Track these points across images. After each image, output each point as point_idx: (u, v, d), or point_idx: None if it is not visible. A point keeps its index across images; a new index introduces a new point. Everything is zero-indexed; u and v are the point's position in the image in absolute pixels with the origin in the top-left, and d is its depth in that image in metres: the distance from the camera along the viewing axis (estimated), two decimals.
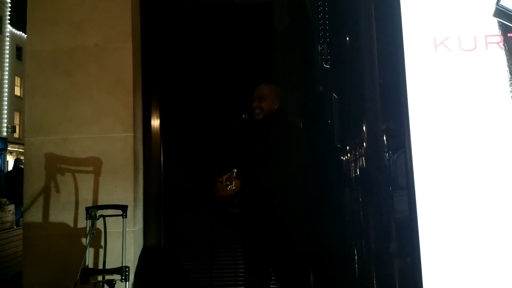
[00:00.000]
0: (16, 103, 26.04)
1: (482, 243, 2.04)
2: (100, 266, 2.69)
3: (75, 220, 2.89)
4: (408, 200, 2.21)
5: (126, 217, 2.59)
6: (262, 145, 2.43)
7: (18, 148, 26.26)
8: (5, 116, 25.12)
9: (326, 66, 2.96)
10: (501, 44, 2.19)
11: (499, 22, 2.21)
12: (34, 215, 2.90)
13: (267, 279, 2.50)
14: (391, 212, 2.43)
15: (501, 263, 2.02)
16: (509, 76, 2.17)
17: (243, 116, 2.56)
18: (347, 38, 2.83)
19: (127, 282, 2.50)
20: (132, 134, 2.96)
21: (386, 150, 2.46)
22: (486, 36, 2.20)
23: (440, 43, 2.23)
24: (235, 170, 2.25)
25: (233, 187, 2.26)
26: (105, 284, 2.50)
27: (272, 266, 2.47)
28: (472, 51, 2.21)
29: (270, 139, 2.41)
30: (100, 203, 2.84)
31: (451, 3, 2.24)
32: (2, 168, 24.86)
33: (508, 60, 2.18)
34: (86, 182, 2.92)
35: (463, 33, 2.22)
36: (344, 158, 2.77)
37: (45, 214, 2.90)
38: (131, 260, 2.83)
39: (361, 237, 2.64)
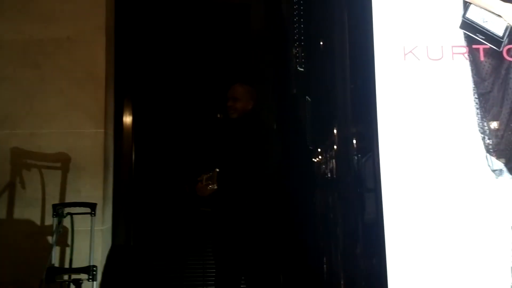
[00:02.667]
0: None
1: (446, 244, 2.13)
2: (67, 265, 2.63)
3: (41, 217, 2.79)
4: (375, 201, 2.29)
5: (94, 215, 2.54)
6: (235, 145, 2.44)
7: None
8: None
9: (300, 69, 3.02)
10: (466, 55, 2.30)
11: (465, 34, 2.31)
12: None
13: (238, 279, 2.50)
14: (359, 213, 2.50)
15: (465, 263, 2.11)
16: (473, 86, 2.27)
17: (218, 115, 2.57)
18: (321, 43, 2.90)
19: (95, 282, 2.45)
20: (103, 130, 2.89)
21: (355, 153, 2.53)
22: (452, 47, 2.30)
23: (409, 52, 2.31)
24: (218, 170, 2.22)
25: (215, 187, 2.23)
26: (71, 284, 2.45)
27: (242, 271, 2.47)
28: (439, 60, 2.30)
29: (244, 139, 2.43)
30: (67, 200, 2.75)
31: (420, 14, 2.33)
32: None
33: (472, 70, 2.29)
34: (53, 179, 2.83)
35: (431, 43, 2.31)
36: (315, 160, 2.82)
37: (9, 210, 2.79)
38: (99, 260, 2.76)
39: (330, 238, 2.70)
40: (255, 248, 2.39)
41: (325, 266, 2.72)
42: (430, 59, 2.31)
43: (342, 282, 2.59)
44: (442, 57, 2.30)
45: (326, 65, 2.84)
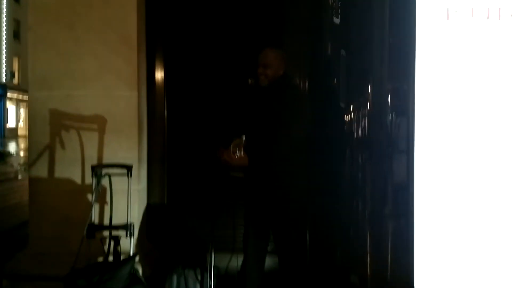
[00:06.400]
0: (15, 48, 25.50)
1: (476, 212, 2.10)
2: (105, 223, 2.76)
3: (80, 176, 2.92)
4: (406, 163, 2.24)
5: (131, 176, 2.64)
6: (267, 112, 2.43)
7: (18, 95, 26.05)
8: (4, 61, 24.70)
9: (336, 20, 2.88)
10: None
11: None
12: (40, 170, 2.94)
13: (266, 238, 2.59)
14: (389, 173, 2.47)
15: (493, 232, 2.08)
16: None
17: (249, 81, 2.53)
18: None
19: (132, 238, 2.59)
20: (136, 92, 2.93)
21: (389, 111, 2.46)
22: (499, 8, 2.15)
23: (453, 12, 2.17)
24: (244, 137, 2.20)
25: (241, 155, 2.22)
26: (110, 239, 2.58)
27: (271, 227, 2.56)
28: (485, 20, 2.15)
29: (276, 106, 2.40)
30: (104, 161, 2.86)
31: None
32: (2, 115, 24.83)
33: None
34: (90, 140, 2.92)
35: (476, 3, 2.16)
36: (347, 118, 2.77)
37: (51, 170, 2.93)
38: (135, 217, 2.88)
39: (358, 197, 2.71)
40: (285, 209, 2.44)
41: (351, 225, 2.75)
42: (475, 19, 2.16)
43: (368, 240, 2.62)
44: (489, 17, 2.14)
45: (363, 17, 2.70)
